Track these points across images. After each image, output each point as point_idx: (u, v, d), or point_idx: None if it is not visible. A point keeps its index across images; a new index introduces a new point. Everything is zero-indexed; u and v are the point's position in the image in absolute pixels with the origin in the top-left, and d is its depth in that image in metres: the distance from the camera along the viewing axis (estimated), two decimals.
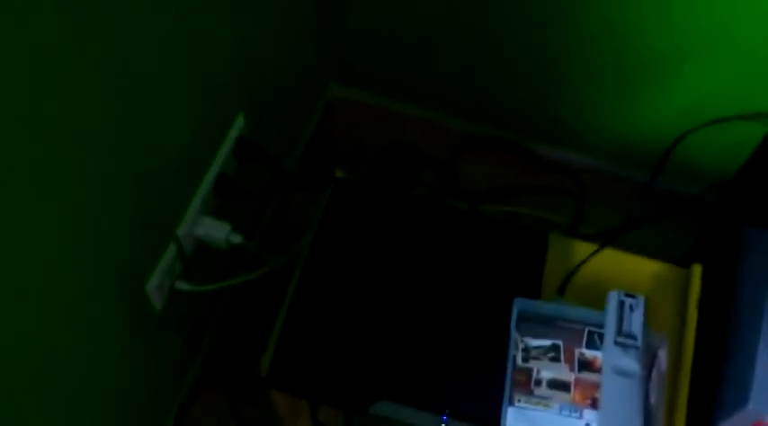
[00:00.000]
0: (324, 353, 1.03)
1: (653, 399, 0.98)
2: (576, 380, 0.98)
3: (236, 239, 1.22)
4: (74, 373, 1.02)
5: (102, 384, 1.12)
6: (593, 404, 0.96)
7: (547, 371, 0.98)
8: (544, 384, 0.98)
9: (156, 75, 0.99)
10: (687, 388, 1.03)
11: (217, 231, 1.21)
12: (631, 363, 0.96)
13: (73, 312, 0.96)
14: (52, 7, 0.76)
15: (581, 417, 0.96)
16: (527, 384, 0.98)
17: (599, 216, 1.36)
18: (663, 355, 1.01)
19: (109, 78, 0.89)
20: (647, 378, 0.98)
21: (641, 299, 1.00)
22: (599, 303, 1.02)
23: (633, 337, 0.97)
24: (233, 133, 1.25)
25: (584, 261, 1.11)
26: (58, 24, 0.78)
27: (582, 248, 1.13)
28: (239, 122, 1.26)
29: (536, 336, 1.00)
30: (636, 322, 0.98)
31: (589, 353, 0.99)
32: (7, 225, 0.79)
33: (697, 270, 1.10)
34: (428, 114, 1.71)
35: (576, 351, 0.99)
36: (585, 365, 0.99)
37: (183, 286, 1.20)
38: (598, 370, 0.98)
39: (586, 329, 1.01)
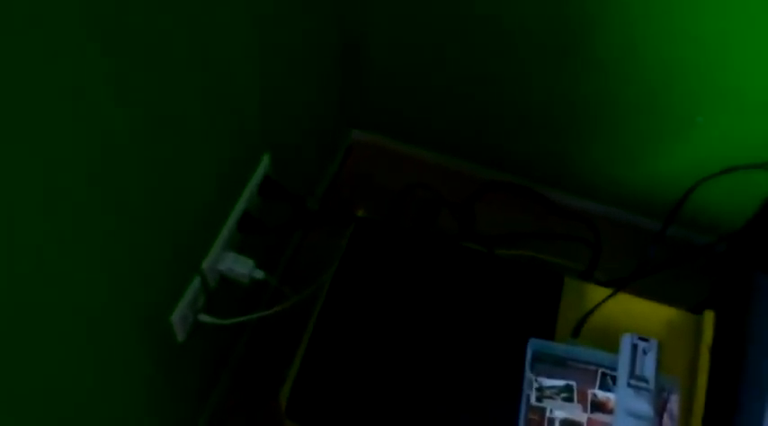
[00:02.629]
0: (342, 387, 1.06)
1: None
2: (589, 421, 1.00)
3: (259, 275, 1.25)
4: (95, 401, 1.04)
5: (124, 412, 1.13)
6: None
7: (560, 411, 1.00)
8: (557, 423, 1.00)
9: (188, 119, 1.03)
10: None
11: (240, 266, 1.24)
12: (644, 405, 0.98)
13: (97, 340, 0.99)
14: (97, 59, 0.80)
15: None
16: (540, 423, 1.00)
17: (613, 263, 1.37)
18: (675, 399, 1.03)
19: (148, 122, 0.92)
20: (658, 422, 1.00)
21: (654, 343, 1.02)
22: (612, 346, 1.03)
23: (646, 380, 0.99)
24: (259, 172, 1.28)
25: (598, 305, 1.13)
26: (103, 77, 0.81)
27: (596, 292, 1.15)
28: (265, 162, 1.29)
29: (550, 376, 1.02)
30: (648, 365, 1.00)
31: (602, 394, 1.01)
32: (41, 253, 0.81)
33: (709, 316, 1.12)
34: (447, 160, 1.75)
35: (589, 392, 1.01)
36: (598, 406, 1.00)
37: (205, 318, 1.22)
38: (610, 412, 1.00)
39: (599, 370, 1.03)
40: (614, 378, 1.01)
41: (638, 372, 0.99)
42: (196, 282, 1.18)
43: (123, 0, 0.80)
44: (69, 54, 0.75)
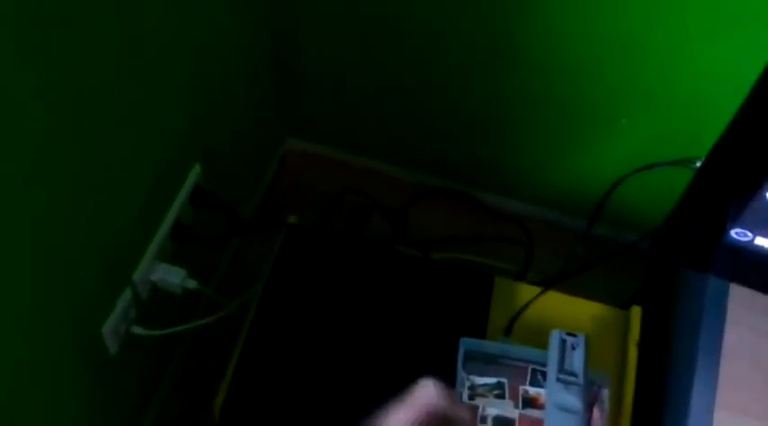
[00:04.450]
0: (275, 394, 1.06)
1: None
2: (521, 417, 1.01)
3: (191, 284, 1.24)
4: (22, 418, 1.02)
5: None
6: None
7: (492, 408, 1.02)
8: (489, 421, 1.01)
9: (114, 129, 1.02)
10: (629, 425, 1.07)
11: (172, 276, 1.23)
12: (573, 399, 0.99)
13: (24, 354, 0.97)
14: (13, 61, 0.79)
15: None
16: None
17: (544, 263, 1.40)
18: (605, 393, 1.05)
19: (72, 131, 0.91)
20: (588, 415, 1.01)
21: (582, 338, 1.04)
22: (544, 343, 1.05)
23: (574, 374, 1.01)
24: (189, 181, 1.28)
25: (528, 303, 1.15)
26: (26, 88, 0.80)
27: (527, 291, 1.17)
28: (196, 171, 1.29)
29: (482, 374, 1.04)
30: (577, 359, 1.02)
31: (533, 390, 1.03)
32: None
33: (636, 311, 1.15)
34: (381, 166, 1.76)
35: (521, 389, 1.03)
36: (529, 402, 1.02)
37: (138, 330, 1.21)
38: (541, 407, 1.02)
39: (530, 367, 1.04)
40: (545, 374, 1.03)
41: (566, 367, 1.01)
42: (127, 293, 1.16)
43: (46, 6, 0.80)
44: None
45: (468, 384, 1.03)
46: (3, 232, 0.84)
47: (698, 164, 0.99)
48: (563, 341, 1.03)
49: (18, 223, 0.87)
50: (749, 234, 0.96)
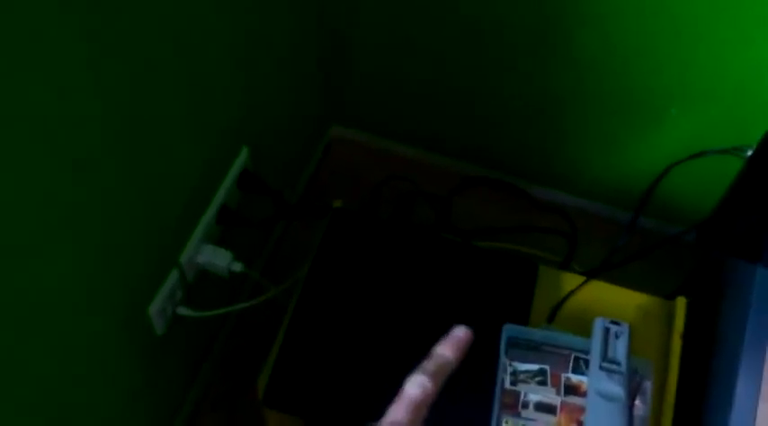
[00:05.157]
0: (319, 374, 1.07)
1: (637, 425, 1.01)
2: (563, 404, 1.01)
3: (237, 267, 1.26)
4: (72, 394, 1.04)
5: (102, 406, 1.14)
6: None
7: (534, 394, 1.02)
8: (531, 406, 1.01)
9: (167, 114, 1.04)
10: (671, 416, 1.06)
11: (218, 259, 1.25)
12: (616, 388, 0.99)
13: (74, 333, 0.99)
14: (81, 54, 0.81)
15: None
16: (515, 406, 1.01)
17: (588, 255, 1.39)
18: (648, 383, 1.04)
19: (118, 115, 0.93)
20: (631, 404, 1.01)
21: (626, 327, 1.03)
22: (586, 332, 1.05)
23: (617, 363, 1.00)
24: (237, 165, 1.29)
25: (572, 292, 1.14)
26: (87, 67, 0.83)
27: (571, 280, 1.17)
28: (243, 155, 1.30)
29: (524, 361, 1.04)
30: (620, 348, 1.01)
31: (575, 378, 1.03)
32: (18, 247, 0.82)
33: (681, 302, 1.14)
34: (426, 155, 1.76)
35: (563, 376, 1.03)
36: (571, 389, 1.02)
37: (184, 311, 1.23)
38: (583, 394, 1.01)
39: (573, 354, 1.04)
40: (587, 362, 1.03)
41: (609, 355, 1.01)
42: (174, 275, 1.18)
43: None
44: (53, 50, 0.76)
45: (510, 370, 1.03)
46: (58, 214, 0.87)
47: (749, 153, 0.98)
48: (606, 330, 1.02)
49: (74, 205, 0.89)
50: None
